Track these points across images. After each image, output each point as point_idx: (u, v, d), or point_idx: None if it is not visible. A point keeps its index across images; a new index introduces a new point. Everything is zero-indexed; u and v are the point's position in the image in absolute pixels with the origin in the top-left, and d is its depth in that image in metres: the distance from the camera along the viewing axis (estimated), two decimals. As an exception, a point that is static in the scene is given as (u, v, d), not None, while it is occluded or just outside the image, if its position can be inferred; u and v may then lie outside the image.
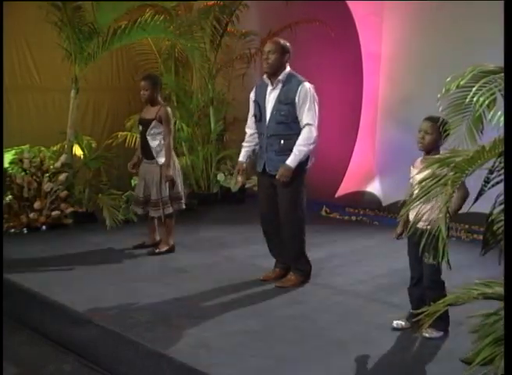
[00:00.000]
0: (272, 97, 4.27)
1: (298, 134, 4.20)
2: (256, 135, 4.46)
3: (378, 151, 7.10)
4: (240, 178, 4.58)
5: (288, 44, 4.31)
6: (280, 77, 4.24)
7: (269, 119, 4.27)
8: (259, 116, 4.35)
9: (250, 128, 4.51)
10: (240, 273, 4.70)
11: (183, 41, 6.71)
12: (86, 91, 6.96)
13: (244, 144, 4.55)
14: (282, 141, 4.22)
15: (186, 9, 7.73)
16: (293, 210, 4.29)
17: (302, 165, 4.25)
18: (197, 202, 7.15)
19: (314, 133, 4.19)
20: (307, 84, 4.22)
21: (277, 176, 4.19)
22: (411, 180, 3.44)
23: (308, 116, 4.18)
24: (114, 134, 7.29)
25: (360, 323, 3.70)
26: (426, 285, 3.44)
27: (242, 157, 4.52)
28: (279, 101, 4.23)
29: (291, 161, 4.17)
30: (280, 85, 4.25)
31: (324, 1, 6.98)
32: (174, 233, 5.32)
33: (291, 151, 4.18)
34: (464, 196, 3.11)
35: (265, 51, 4.25)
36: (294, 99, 4.18)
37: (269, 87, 4.29)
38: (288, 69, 4.28)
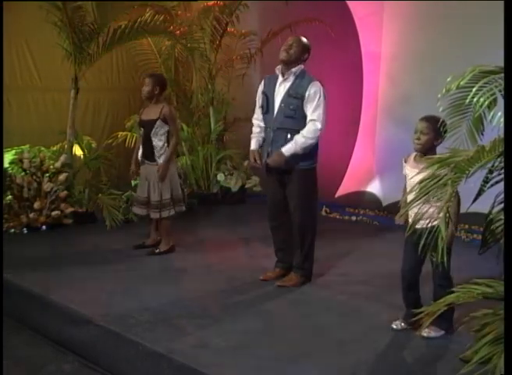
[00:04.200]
0: (281, 89, 4.25)
1: None
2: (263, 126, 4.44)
3: (378, 151, 7.10)
4: (256, 164, 4.41)
5: (310, 46, 4.32)
6: (294, 70, 4.22)
7: (277, 112, 4.24)
8: (266, 108, 4.32)
9: (257, 119, 4.46)
10: (240, 273, 4.70)
11: (183, 41, 6.71)
12: (86, 91, 6.95)
13: (253, 134, 4.47)
14: (288, 135, 4.19)
15: (186, 9, 7.73)
16: (303, 210, 4.28)
17: (306, 164, 4.25)
18: (197, 202, 7.15)
19: (318, 129, 4.14)
20: (318, 83, 4.20)
21: (268, 161, 4.21)
22: (407, 178, 3.45)
23: (314, 112, 4.15)
24: (114, 134, 7.29)
25: (360, 323, 3.70)
26: (437, 283, 3.40)
27: (253, 145, 4.43)
28: (288, 94, 4.20)
29: (286, 149, 4.16)
30: (292, 78, 4.22)
31: (324, 1, 6.98)
32: (171, 233, 5.31)
33: None
34: (458, 201, 3.09)
35: (288, 43, 4.23)
36: (304, 94, 4.15)
37: (280, 79, 4.27)
38: (302, 66, 4.28)
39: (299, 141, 4.15)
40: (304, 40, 4.32)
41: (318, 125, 4.14)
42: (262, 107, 4.37)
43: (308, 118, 4.16)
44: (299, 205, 4.27)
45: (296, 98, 4.17)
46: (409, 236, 2.91)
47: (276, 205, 4.41)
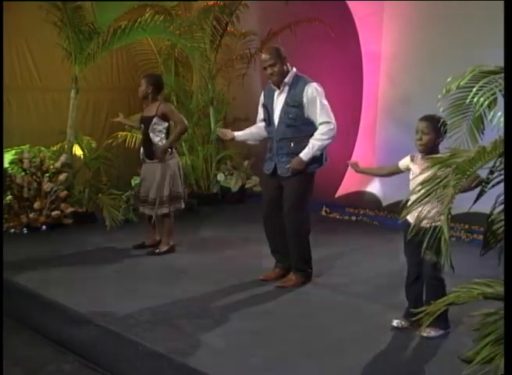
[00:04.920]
0: (279, 100, 4.27)
1: (308, 136, 4.19)
2: (259, 132, 4.51)
3: (378, 151, 7.10)
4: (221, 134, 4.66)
5: (280, 47, 4.30)
6: (286, 80, 4.22)
7: (278, 123, 4.26)
8: (268, 120, 4.36)
9: (256, 127, 4.55)
10: (240, 273, 4.70)
11: (183, 41, 6.71)
12: (86, 91, 6.96)
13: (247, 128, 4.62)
14: (292, 144, 4.21)
15: (186, 9, 7.73)
16: (297, 211, 4.28)
17: (310, 168, 4.25)
18: (197, 202, 7.15)
19: (332, 129, 4.16)
20: (313, 84, 4.19)
21: (288, 166, 4.20)
22: (411, 176, 3.44)
23: (322, 114, 4.16)
24: (114, 134, 7.29)
25: (360, 323, 3.70)
26: (427, 282, 3.42)
27: (239, 132, 4.60)
28: (286, 103, 4.21)
29: (304, 154, 4.17)
30: (287, 88, 4.23)
31: (324, 1, 6.98)
32: (173, 233, 5.32)
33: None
34: (479, 180, 2.99)
35: (266, 65, 4.20)
36: (302, 101, 4.16)
37: (277, 91, 4.28)
38: (294, 70, 4.27)
39: (316, 145, 4.17)
40: (275, 50, 4.26)
41: (331, 125, 4.16)
42: (265, 120, 4.41)
43: (318, 121, 4.17)
44: (293, 207, 4.27)
45: (294, 106, 4.18)
46: (414, 233, 2.90)
47: (272, 206, 4.41)
